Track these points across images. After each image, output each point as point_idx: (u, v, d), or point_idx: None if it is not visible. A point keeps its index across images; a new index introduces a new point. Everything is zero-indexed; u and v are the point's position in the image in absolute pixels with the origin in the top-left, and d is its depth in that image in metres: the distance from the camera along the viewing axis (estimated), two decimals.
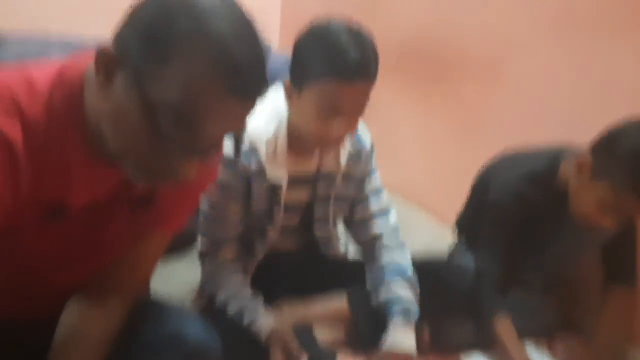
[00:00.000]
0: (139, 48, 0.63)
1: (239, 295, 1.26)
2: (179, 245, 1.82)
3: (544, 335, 1.56)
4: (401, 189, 2.59)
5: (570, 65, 1.79)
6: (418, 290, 1.33)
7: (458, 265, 1.44)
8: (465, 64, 2.22)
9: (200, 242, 1.34)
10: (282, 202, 1.27)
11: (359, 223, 1.40)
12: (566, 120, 1.80)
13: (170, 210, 0.92)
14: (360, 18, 1.12)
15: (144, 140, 0.66)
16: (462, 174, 1.78)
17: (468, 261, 1.56)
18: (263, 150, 1.20)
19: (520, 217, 1.41)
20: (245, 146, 1.21)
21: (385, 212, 1.40)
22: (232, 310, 1.24)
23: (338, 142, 1.17)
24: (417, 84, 2.49)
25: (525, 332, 1.41)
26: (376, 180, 1.40)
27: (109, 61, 0.66)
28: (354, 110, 1.10)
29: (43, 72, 0.71)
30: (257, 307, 1.24)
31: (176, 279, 1.67)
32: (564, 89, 1.82)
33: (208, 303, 1.35)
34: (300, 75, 1.11)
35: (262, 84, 0.69)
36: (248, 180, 1.24)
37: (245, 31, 0.67)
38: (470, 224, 1.65)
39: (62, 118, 0.71)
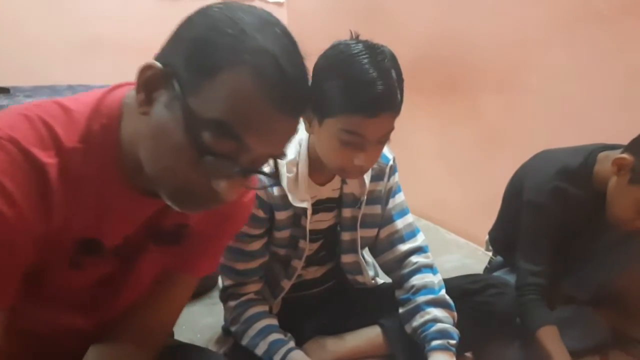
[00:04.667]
0: (183, 62, 0.62)
1: (267, 333, 1.19)
2: (199, 290, 1.79)
3: (597, 354, 1.45)
4: (427, 212, 2.52)
5: (594, 62, 1.73)
6: (454, 313, 1.24)
7: (497, 284, 1.35)
8: (481, 73, 2.17)
9: (221, 279, 1.27)
10: (307, 228, 1.21)
11: (384, 242, 1.33)
12: (594, 122, 1.73)
13: (198, 252, 0.89)
14: (368, 34, 1.08)
15: (184, 157, 0.63)
16: (489, 189, 1.71)
17: (506, 277, 1.47)
18: (284, 176, 1.15)
19: (559, 214, 1.33)
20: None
21: (411, 230, 1.33)
22: (260, 349, 1.17)
23: (362, 172, 1.13)
24: (433, 99, 2.44)
25: (576, 351, 1.30)
26: (400, 197, 1.34)
27: (152, 76, 0.64)
28: (379, 142, 1.05)
29: (79, 104, 0.70)
30: (287, 344, 1.17)
31: (197, 323, 1.63)
32: (588, 89, 1.75)
33: (233, 343, 1.28)
34: (320, 105, 1.04)
35: (307, 101, 0.68)
36: (270, 207, 1.19)
37: (291, 47, 0.66)
38: (505, 234, 1.57)
39: (100, 149, 0.69)
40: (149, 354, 0.86)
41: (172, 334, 1.10)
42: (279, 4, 3.96)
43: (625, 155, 1.25)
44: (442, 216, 2.49)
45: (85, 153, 0.68)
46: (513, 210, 1.47)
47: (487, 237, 1.72)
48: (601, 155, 1.34)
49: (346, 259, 1.33)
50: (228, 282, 1.25)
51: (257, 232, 1.20)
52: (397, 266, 1.31)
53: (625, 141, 1.29)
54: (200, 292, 1.79)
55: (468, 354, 1.40)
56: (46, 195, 0.65)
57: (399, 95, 1.02)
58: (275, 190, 1.17)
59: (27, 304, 0.73)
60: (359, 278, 1.36)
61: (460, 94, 2.29)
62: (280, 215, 1.20)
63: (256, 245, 1.22)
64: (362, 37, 1.06)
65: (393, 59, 1.04)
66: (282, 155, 0.69)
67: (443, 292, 1.26)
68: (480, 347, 1.38)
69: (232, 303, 1.24)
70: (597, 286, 1.44)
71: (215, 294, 1.77)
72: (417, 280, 1.27)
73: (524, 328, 1.34)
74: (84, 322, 0.82)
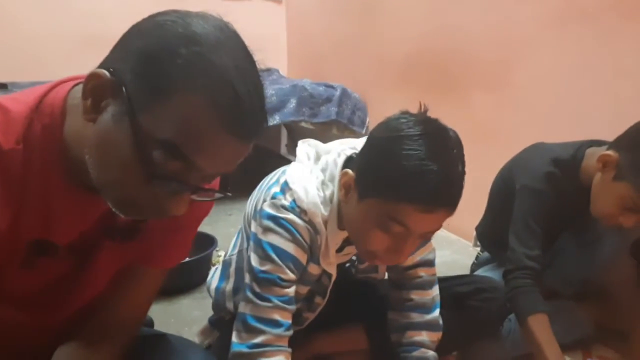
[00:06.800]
0: (135, 79, 0.60)
1: None
2: (188, 285, 1.83)
3: (579, 348, 1.46)
4: None
5: (582, 59, 1.74)
6: (440, 334, 1.18)
7: (488, 288, 1.30)
8: (471, 70, 2.19)
9: (237, 335, 1.02)
10: (329, 291, 1.14)
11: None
12: (582, 118, 1.74)
13: (160, 244, 0.87)
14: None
15: (132, 173, 0.62)
16: (479, 186, 1.71)
17: (493, 273, 1.47)
18: (324, 234, 1.04)
19: (553, 199, 1.31)
20: (304, 219, 1.02)
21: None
22: None
23: (391, 263, 1.02)
24: (424, 95, 2.44)
25: (559, 345, 1.28)
26: None
27: (100, 86, 0.62)
28: (422, 236, 0.94)
29: (19, 103, 0.68)
30: None
31: (186, 317, 1.66)
32: (576, 85, 1.77)
33: (219, 336, 1.29)
34: (366, 180, 0.94)
35: (262, 124, 0.66)
36: (310, 249, 1.05)
37: (247, 67, 0.64)
38: (493, 229, 1.57)
39: (41, 148, 0.67)
40: (121, 348, 0.85)
41: (152, 324, 1.10)
42: (278, 2, 3.97)
43: (610, 152, 1.25)
44: None
45: (25, 154, 0.66)
46: (501, 202, 1.47)
47: (474, 232, 1.72)
48: (589, 150, 1.35)
49: (362, 276, 1.25)
50: (255, 339, 0.97)
51: (293, 277, 1.02)
52: (401, 268, 1.20)
53: (612, 137, 1.30)
54: (189, 287, 1.82)
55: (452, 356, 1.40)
56: None
57: (458, 188, 0.90)
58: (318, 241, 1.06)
59: None
60: (372, 275, 1.26)
61: (451, 90, 2.30)
62: (313, 269, 1.08)
63: (291, 292, 1.03)
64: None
65: (460, 146, 0.91)
66: (230, 171, 0.68)
67: (437, 311, 1.18)
68: (465, 348, 1.37)
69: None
70: (581, 281, 1.44)
71: (204, 288, 1.79)
72: (416, 295, 1.18)
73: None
74: (42, 320, 0.81)
